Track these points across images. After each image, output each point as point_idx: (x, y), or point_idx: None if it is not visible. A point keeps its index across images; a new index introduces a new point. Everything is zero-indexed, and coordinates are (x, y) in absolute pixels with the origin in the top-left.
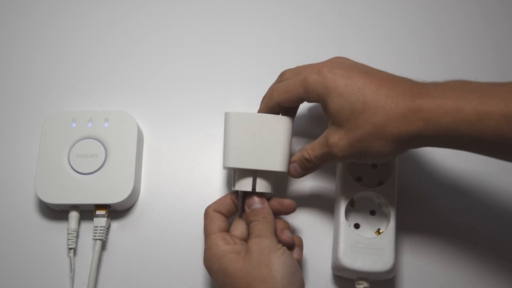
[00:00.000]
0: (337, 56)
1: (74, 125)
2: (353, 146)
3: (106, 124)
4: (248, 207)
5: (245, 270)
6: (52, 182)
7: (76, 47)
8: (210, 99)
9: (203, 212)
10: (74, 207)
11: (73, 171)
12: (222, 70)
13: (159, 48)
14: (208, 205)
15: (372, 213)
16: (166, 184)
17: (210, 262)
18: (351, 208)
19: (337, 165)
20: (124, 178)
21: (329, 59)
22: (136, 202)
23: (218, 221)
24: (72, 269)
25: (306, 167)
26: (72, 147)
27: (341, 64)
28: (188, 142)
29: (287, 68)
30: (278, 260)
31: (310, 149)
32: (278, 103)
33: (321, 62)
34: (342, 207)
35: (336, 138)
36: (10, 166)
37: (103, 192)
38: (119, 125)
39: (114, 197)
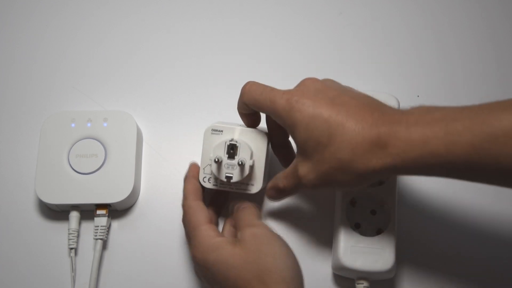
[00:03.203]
0: (307, 78)
1: (73, 125)
2: (321, 178)
3: (105, 124)
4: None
5: (248, 260)
6: (52, 182)
7: (76, 47)
8: (210, 99)
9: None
10: (75, 207)
11: (73, 171)
12: (221, 70)
13: (159, 48)
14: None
15: (373, 212)
16: (166, 183)
17: (204, 254)
18: (352, 207)
19: None
20: (124, 177)
21: (300, 84)
22: (136, 201)
23: (204, 212)
24: (73, 269)
25: (281, 195)
26: (72, 147)
27: (309, 90)
28: (188, 142)
29: (286, 68)
30: (279, 248)
31: (284, 178)
32: (246, 105)
33: (293, 89)
34: (342, 206)
35: (305, 170)
36: (10, 166)
37: (103, 192)
38: (118, 125)
39: (114, 197)
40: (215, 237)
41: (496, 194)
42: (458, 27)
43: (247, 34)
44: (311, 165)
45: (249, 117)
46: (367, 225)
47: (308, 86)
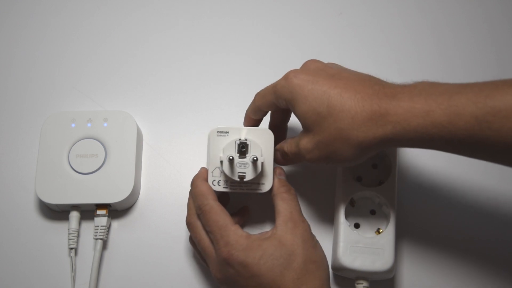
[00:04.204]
0: (309, 59)
1: (73, 125)
2: (320, 149)
3: (105, 124)
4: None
5: (294, 251)
6: (52, 182)
7: (76, 47)
8: (210, 99)
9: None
10: (75, 207)
11: (73, 171)
12: (222, 70)
13: (159, 48)
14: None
15: (372, 212)
16: (166, 183)
17: (247, 252)
18: (351, 207)
19: None
20: (124, 177)
21: (301, 65)
22: (136, 201)
23: (227, 212)
24: (73, 269)
25: (285, 158)
26: (72, 147)
27: (308, 69)
28: (188, 142)
29: (286, 68)
30: (318, 243)
31: (289, 143)
32: (258, 107)
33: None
34: (342, 206)
35: (305, 141)
36: (10, 166)
37: (103, 192)
38: (118, 125)
39: (114, 197)
40: (250, 235)
41: (498, 194)
42: (459, 27)
43: (247, 34)
44: (311, 136)
45: (254, 121)
46: (366, 225)
47: (308, 65)
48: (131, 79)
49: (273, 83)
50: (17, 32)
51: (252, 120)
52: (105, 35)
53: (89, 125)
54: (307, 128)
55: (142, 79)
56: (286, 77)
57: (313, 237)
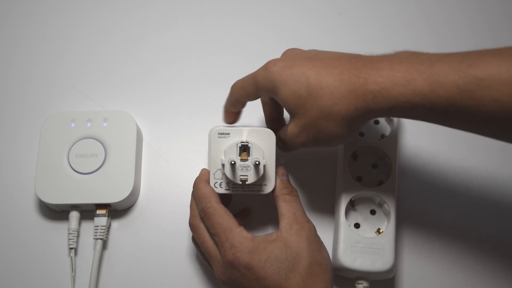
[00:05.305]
0: (288, 48)
1: (73, 125)
2: (306, 132)
3: (105, 124)
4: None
5: (300, 254)
6: (52, 182)
7: (76, 47)
8: (210, 99)
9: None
10: (75, 207)
11: (73, 171)
12: (221, 70)
13: (159, 48)
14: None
15: (372, 212)
16: (166, 183)
17: (252, 254)
18: (351, 207)
19: (337, 164)
20: (124, 177)
21: (281, 54)
22: (136, 201)
23: (231, 214)
24: (73, 269)
25: (283, 146)
26: (72, 147)
27: (287, 56)
28: (188, 142)
29: None
30: (323, 245)
31: (283, 131)
32: (237, 99)
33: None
34: (342, 206)
35: (292, 126)
36: (10, 166)
37: (103, 192)
38: (118, 125)
39: (114, 197)
40: (255, 237)
41: (501, 196)
42: (459, 27)
43: (247, 34)
44: (296, 120)
45: (234, 114)
46: (366, 225)
47: (287, 53)
48: (131, 79)
49: (252, 74)
50: (17, 32)
51: (232, 113)
52: (105, 35)
53: (89, 125)
54: (292, 112)
55: (142, 79)
56: (265, 67)
57: (318, 238)
